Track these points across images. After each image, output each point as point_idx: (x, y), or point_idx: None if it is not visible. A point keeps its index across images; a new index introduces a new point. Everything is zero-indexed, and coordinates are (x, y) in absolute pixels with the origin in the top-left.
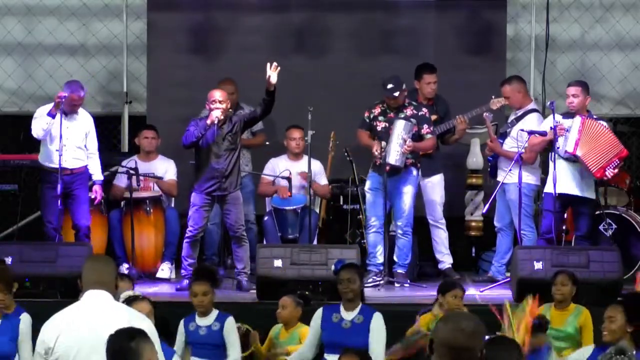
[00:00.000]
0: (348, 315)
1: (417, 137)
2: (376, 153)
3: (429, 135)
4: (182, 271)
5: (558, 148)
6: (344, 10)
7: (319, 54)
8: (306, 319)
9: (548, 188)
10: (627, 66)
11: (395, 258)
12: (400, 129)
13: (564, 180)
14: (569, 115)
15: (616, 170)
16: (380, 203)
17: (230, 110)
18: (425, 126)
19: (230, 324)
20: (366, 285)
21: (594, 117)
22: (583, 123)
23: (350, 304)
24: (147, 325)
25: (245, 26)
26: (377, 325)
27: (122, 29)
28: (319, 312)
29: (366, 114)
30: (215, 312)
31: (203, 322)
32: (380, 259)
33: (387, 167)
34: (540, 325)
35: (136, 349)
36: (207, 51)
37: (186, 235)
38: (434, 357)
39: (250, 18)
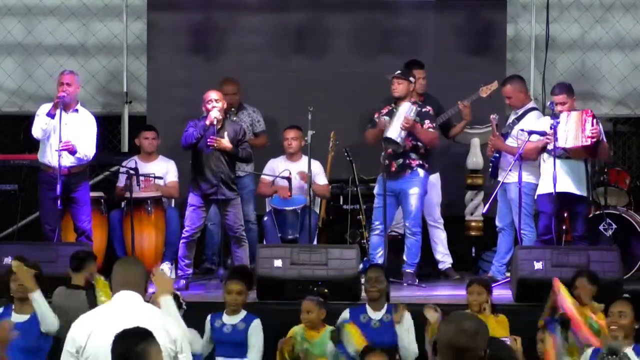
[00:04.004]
0: (376, 315)
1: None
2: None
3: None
4: (179, 271)
5: (550, 150)
6: (344, 10)
7: (319, 54)
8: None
9: (542, 189)
10: (627, 66)
11: (404, 257)
12: (404, 109)
13: (559, 179)
14: (554, 115)
15: (594, 126)
16: (386, 207)
17: (233, 110)
18: (427, 121)
19: (256, 326)
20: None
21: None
22: (568, 116)
23: (376, 304)
24: (177, 327)
25: (245, 26)
26: (405, 320)
27: (122, 29)
28: (345, 314)
29: (376, 115)
30: (243, 313)
31: (230, 320)
32: (379, 261)
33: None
34: (564, 324)
35: (142, 353)
36: (207, 51)
37: (183, 235)
38: (437, 358)
39: (250, 18)
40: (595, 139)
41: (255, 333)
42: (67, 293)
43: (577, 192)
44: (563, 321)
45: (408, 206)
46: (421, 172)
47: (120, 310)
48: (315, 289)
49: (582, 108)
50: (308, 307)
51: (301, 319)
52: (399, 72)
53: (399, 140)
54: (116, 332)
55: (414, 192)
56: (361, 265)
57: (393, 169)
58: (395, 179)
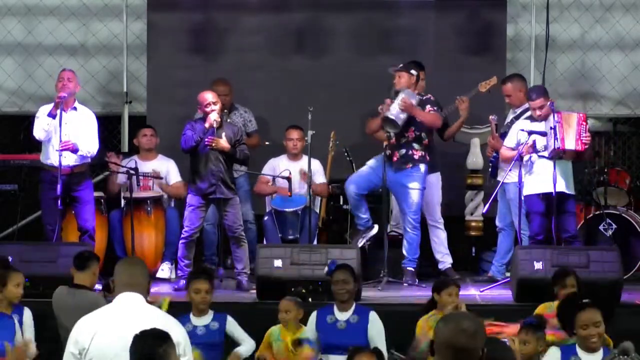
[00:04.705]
0: (342, 316)
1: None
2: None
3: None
4: (179, 272)
5: (539, 151)
6: (344, 10)
7: (319, 54)
8: (302, 319)
9: (530, 189)
10: (627, 66)
11: (404, 252)
12: (405, 93)
13: (551, 179)
14: (535, 119)
15: (587, 134)
16: (366, 179)
17: (225, 111)
18: (428, 106)
19: (232, 322)
20: (359, 243)
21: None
22: (561, 117)
23: (344, 305)
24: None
25: (245, 26)
26: (375, 324)
27: (122, 29)
28: (313, 315)
29: (379, 107)
30: (210, 312)
31: (200, 322)
32: (363, 217)
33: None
34: (538, 325)
35: (164, 355)
36: (207, 51)
37: (182, 235)
38: (435, 358)
39: (250, 18)
40: (587, 146)
41: (235, 326)
42: (69, 292)
43: (567, 191)
44: (539, 322)
45: (409, 200)
46: (422, 167)
47: (123, 311)
48: (292, 289)
49: (582, 108)
50: (287, 306)
51: (279, 319)
52: (401, 65)
53: (397, 120)
54: (135, 334)
55: (414, 187)
56: (326, 267)
57: (395, 159)
58: (395, 171)
